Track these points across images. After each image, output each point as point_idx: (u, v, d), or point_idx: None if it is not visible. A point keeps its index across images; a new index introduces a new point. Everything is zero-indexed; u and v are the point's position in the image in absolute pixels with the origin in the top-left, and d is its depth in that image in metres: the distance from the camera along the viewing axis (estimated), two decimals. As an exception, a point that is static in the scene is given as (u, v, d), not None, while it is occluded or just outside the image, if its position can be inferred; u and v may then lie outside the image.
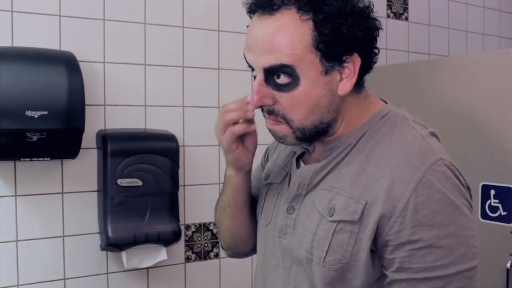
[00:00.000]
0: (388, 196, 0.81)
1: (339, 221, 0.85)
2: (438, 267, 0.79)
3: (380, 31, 0.89)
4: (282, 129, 0.89)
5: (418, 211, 0.79)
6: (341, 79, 0.86)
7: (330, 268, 0.85)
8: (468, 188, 0.87)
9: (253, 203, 1.10)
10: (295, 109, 0.86)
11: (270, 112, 0.88)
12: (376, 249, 0.84)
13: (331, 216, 0.86)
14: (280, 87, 0.85)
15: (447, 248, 0.80)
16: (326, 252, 0.85)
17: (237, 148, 0.98)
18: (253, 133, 0.99)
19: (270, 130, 0.92)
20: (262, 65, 0.84)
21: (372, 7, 0.87)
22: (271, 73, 0.84)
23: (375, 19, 0.88)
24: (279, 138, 0.92)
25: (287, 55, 0.82)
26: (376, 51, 0.90)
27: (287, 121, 0.88)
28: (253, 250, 1.16)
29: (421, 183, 0.80)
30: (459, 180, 0.84)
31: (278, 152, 1.09)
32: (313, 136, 0.89)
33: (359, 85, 0.90)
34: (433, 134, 0.91)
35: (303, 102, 0.85)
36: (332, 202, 0.87)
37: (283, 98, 0.86)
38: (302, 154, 1.00)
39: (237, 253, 1.18)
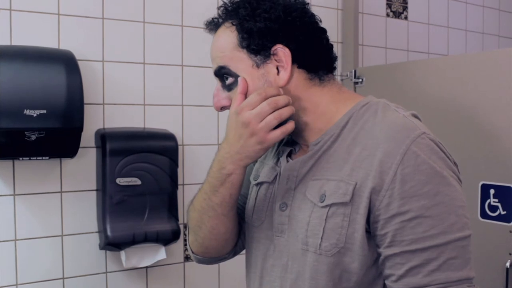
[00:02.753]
0: (376, 171, 0.83)
1: (330, 205, 0.86)
2: (429, 237, 0.80)
3: (319, 22, 0.95)
4: None
5: (406, 182, 0.81)
6: (279, 72, 0.93)
7: (327, 254, 0.86)
8: (455, 164, 0.88)
9: None
10: None
11: None
12: (370, 229, 0.84)
13: (322, 202, 0.87)
14: (229, 87, 0.95)
15: (437, 217, 0.80)
16: (321, 238, 0.86)
17: None
18: None
19: None
20: (213, 73, 0.98)
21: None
22: (220, 78, 0.97)
23: (305, 11, 0.94)
24: None
25: (220, 58, 0.95)
26: (313, 40, 0.94)
27: None
28: (229, 254, 1.12)
29: (407, 155, 0.82)
30: (445, 154, 0.86)
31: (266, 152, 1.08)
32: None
33: (317, 76, 0.94)
34: (415, 115, 0.92)
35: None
36: (322, 189, 0.89)
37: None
38: (290, 153, 1.01)
39: (211, 258, 1.12)
